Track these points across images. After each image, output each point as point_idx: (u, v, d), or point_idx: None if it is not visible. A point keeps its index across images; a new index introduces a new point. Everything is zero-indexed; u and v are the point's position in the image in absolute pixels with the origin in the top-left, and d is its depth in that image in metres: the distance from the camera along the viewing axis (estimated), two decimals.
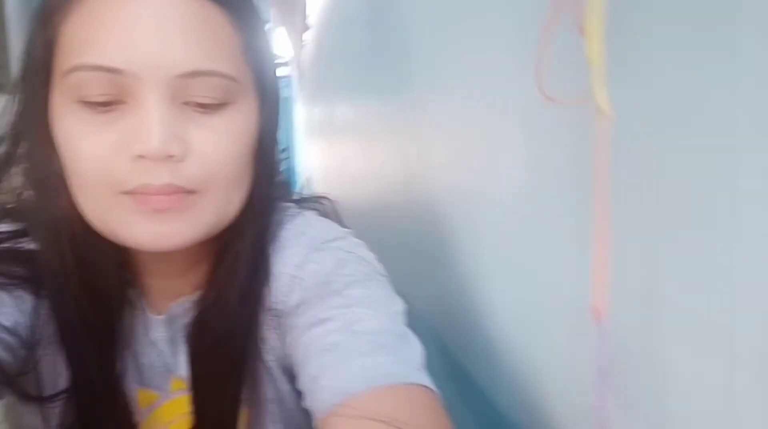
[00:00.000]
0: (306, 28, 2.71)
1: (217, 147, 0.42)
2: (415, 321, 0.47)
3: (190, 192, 0.41)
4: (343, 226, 0.54)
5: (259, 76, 0.45)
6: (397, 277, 0.52)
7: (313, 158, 3.30)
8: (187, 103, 0.41)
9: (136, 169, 0.40)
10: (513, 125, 0.52)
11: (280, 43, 4.13)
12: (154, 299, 0.51)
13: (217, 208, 0.43)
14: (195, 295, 0.49)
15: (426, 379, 0.40)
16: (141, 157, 0.39)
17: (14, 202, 0.48)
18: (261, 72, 0.45)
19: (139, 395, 0.53)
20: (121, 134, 0.40)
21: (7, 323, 0.42)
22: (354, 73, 1.53)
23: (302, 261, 0.47)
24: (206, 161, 0.41)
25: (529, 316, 0.52)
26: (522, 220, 0.52)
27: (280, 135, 0.50)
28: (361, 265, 0.48)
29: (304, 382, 0.42)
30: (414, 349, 0.42)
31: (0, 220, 0.48)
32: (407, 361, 0.40)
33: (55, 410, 0.48)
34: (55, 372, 0.48)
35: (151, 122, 0.39)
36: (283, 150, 0.54)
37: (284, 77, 4.64)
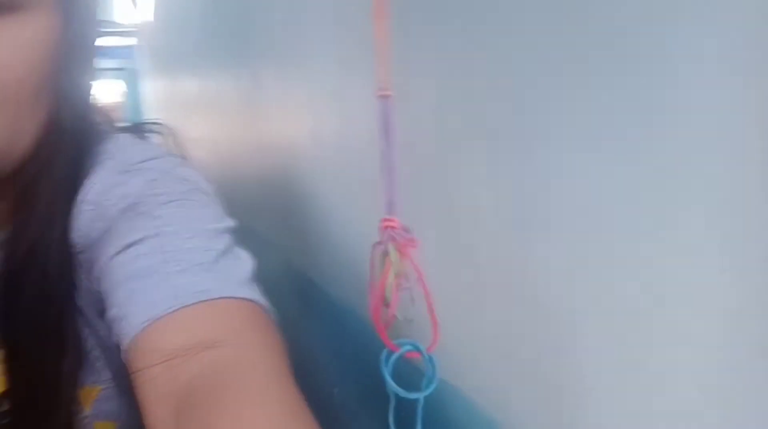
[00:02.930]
0: None
1: (5, 54, 0.36)
2: (266, 246, 0.45)
3: None
4: (184, 155, 0.49)
5: None
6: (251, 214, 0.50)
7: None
8: None
9: None
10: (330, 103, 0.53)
11: (123, 10, 3.78)
12: None
13: (6, 125, 0.38)
14: None
15: (251, 293, 0.37)
16: None
17: None
18: None
19: None
20: None
21: None
22: (195, 44, 1.44)
23: (106, 187, 0.42)
24: None
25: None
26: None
27: (92, 62, 0.44)
28: (177, 183, 0.43)
29: (111, 314, 0.37)
30: (238, 265, 0.39)
31: None
32: (228, 276, 0.37)
33: None
34: None
35: None
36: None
37: (127, 47, 4.27)
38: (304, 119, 0.69)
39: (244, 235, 0.43)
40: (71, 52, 0.41)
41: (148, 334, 0.34)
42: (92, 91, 0.46)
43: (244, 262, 0.40)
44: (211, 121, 1.30)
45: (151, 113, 3.99)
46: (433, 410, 0.38)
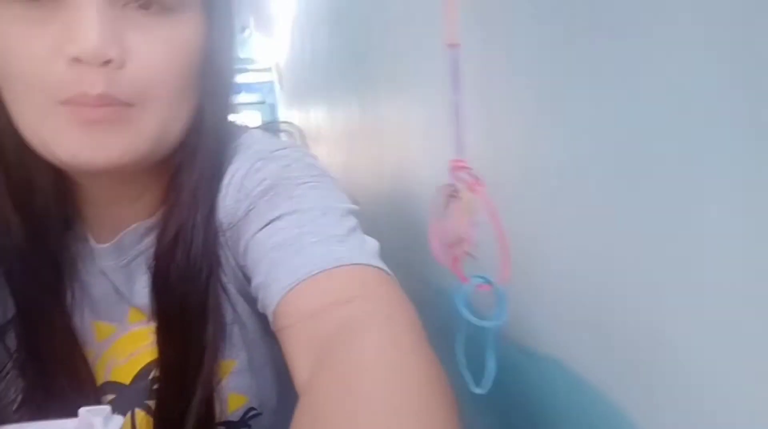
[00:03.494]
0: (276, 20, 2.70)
1: (158, 54, 0.39)
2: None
3: (127, 105, 0.39)
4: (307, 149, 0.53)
5: None
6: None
7: None
8: (127, 5, 0.38)
9: (71, 74, 0.37)
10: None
11: (260, 49, 4.14)
12: (100, 228, 0.49)
13: (158, 123, 0.41)
14: (147, 222, 0.48)
15: (381, 264, 0.39)
16: (76, 59, 0.36)
17: None
18: None
19: (95, 328, 0.51)
20: (56, 34, 0.37)
21: None
22: (323, 76, 1.55)
23: (248, 171, 0.46)
24: (146, 69, 0.39)
25: None
26: None
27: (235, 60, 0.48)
28: (308, 169, 0.47)
29: (256, 284, 0.41)
30: (366, 241, 0.42)
31: None
32: (360, 248, 0.40)
33: (7, 350, 0.47)
34: (5, 306, 0.47)
35: (87, 21, 0.36)
36: None
37: (266, 83, 4.62)
38: (422, 143, 0.73)
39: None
40: (215, 52, 0.44)
41: (291, 297, 0.37)
42: (231, 90, 0.49)
43: (370, 241, 0.43)
44: (339, 147, 1.40)
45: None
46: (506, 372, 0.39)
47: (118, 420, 0.36)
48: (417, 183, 0.76)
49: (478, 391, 0.38)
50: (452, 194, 0.33)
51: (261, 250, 0.41)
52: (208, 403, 0.48)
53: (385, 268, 0.40)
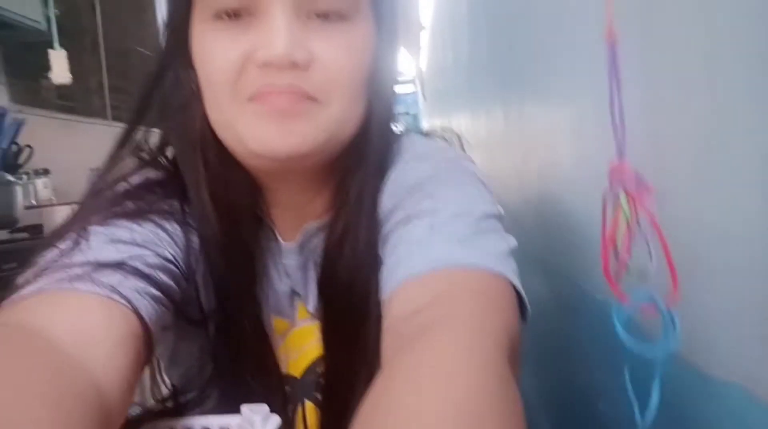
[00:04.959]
0: (419, 30, 2.75)
1: (338, 57, 0.44)
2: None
3: (312, 99, 0.43)
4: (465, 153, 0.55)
5: (376, 1, 0.47)
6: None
7: None
8: (309, 17, 0.43)
9: (262, 76, 0.42)
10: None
11: (403, 61, 4.26)
12: (283, 228, 0.53)
13: (337, 118, 0.45)
14: (321, 221, 0.51)
15: (497, 264, 0.39)
16: (267, 64, 0.42)
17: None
18: None
19: (274, 323, 0.55)
20: (249, 44, 0.42)
21: (168, 255, 0.44)
22: (464, 86, 1.54)
23: (403, 169, 0.49)
24: (328, 70, 0.43)
25: None
26: None
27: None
28: (458, 171, 0.48)
29: (383, 273, 0.43)
30: (494, 242, 0.42)
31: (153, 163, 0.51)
32: (481, 250, 0.40)
33: (208, 339, 0.50)
34: (208, 303, 0.51)
35: (277, 31, 0.41)
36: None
37: (410, 94, 4.73)
38: (567, 146, 0.69)
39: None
40: (382, 57, 0.48)
41: (402, 290, 0.39)
42: (394, 96, 0.52)
43: (501, 242, 0.43)
44: (483, 153, 1.38)
45: None
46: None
47: (275, 420, 0.38)
48: (566, 183, 0.72)
49: (640, 423, 0.33)
50: (615, 199, 0.29)
51: (394, 244, 0.44)
52: None
53: (503, 269, 0.40)
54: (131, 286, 0.38)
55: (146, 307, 0.39)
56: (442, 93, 2.30)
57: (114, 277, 0.38)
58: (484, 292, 0.38)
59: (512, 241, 0.44)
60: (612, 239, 0.28)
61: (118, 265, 0.39)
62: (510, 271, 0.40)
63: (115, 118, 2.72)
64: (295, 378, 0.55)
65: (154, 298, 0.40)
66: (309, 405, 0.55)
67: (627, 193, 0.29)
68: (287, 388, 0.55)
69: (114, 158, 0.49)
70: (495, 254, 0.40)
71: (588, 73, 0.58)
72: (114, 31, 2.75)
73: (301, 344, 0.55)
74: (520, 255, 0.44)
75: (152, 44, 3.17)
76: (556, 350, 0.81)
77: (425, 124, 4.32)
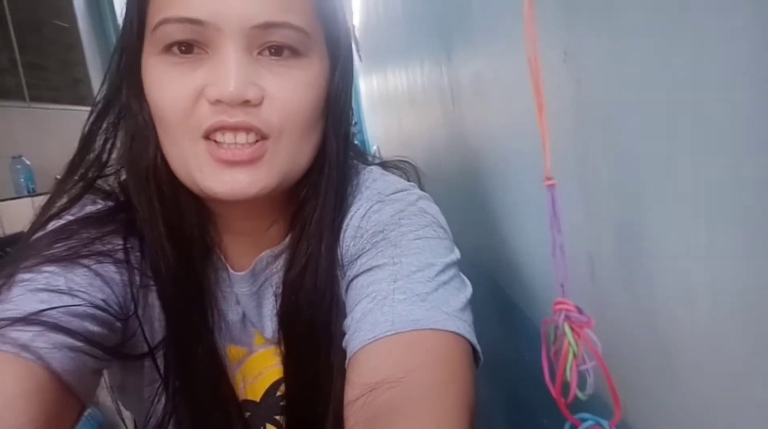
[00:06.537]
0: None
1: (290, 94, 0.44)
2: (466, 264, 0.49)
3: (263, 137, 0.44)
4: (422, 186, 0.56)
5: (330, 34, 0.47)
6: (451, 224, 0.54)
7: (377, 127, 3.34)
8: (262, 53, 0.44)
9: (214, 112, 0.42)
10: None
11: None
12: (235, 257, 0.54)
13: (288, 155, 0.45)
14: (275, 249, 0.52)
15: (456, 325, 0.41)
16: (218, 101, 0.42)
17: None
18: (332, 30, 0.47)
19: (229, 351, 0.55)
20: (201, 80, 0.43)
21: (99, 301, 0.44)
22: (400, 42, 1.54)
23: (366, 212, 0.49)
24: (280, 106, 0.44)
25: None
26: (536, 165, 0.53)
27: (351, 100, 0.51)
28: (419, 216, 0.49)
29: (347, 324, 0.45)
30: (454, 296, 0.44)
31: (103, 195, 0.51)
32: (441, 307, 0.42)
33: (153, 371, 0.51)
34: (152, 336, 0.51)
35: (228, 68, 0.41)
36: (355, 123, 0.56)
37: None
38: (499, 107, 0.71)
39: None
40: (337, 92, 0.48)
41: (365, 352, 0.40)
42: (350, 128, 0.53)
43: (460, 293, 0.45)
44: (417, 112, 1.39)
45: (366, 106, 4.28)
46: None
47: None
48: (491, 141, 0.74)
49: None
50: (560, 331, 0.32)
51: (358, 295, 0.45)
52: (337, 418, 0.50)
53: (461, 328, 0.41)
54: (46, 340, 0.39)
55: (61, 360, 0.39)
56: (378, 48, 2.28)
57: (26, 334, 0.38)
58: (443, 359, 0.40)
59: (468, 290, 0.46)
60: (562, 369, 0.30)
61: (35, 320, 0.39)
62: (466, 328, 0.42)
63: (34, 99, 2.50)
64: (254, 402, 0.57)
65: (73, 348, 0.40)
66: (270, 428, 0.56)
67: (571, 326, 0.31)
68: (247, 413, 0.56)
69: (59, 191, 0.48)
70: (453, 312, 0.42)
71: (516, 30, 0.60)
72: (22, 2, 2.55)
73: (259, 369, 0.56)
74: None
75: (68, 16, 2.95)
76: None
77: (362, 80, 4.26)
